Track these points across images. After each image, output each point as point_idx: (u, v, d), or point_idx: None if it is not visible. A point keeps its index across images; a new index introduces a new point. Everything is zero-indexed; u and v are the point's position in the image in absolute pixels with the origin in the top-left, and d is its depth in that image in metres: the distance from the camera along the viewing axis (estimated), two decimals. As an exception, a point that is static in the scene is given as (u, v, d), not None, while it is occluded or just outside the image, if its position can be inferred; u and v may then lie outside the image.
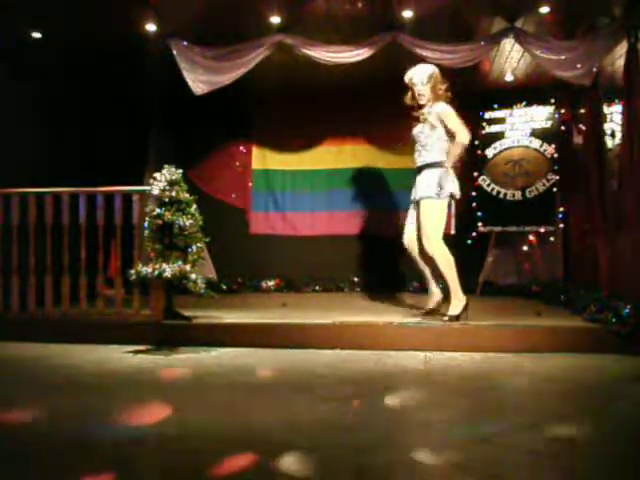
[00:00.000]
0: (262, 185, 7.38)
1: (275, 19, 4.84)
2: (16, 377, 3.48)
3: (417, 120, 4.51)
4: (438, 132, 4.38)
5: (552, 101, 6.39)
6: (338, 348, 4.15)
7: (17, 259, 4.62)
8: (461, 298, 4.34)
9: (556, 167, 6.32)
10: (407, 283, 6.70)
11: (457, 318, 4.28)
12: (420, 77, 4.43)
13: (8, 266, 4.61)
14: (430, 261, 4.43)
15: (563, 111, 6.39)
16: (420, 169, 4.45)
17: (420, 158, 4.45)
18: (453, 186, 4.36)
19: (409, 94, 4.53)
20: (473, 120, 6.75)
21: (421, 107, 4.49)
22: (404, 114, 4.69)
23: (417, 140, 4.48)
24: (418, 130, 4.47)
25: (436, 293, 4.60)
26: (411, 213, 4.58)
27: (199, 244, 4.49)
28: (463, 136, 4.33)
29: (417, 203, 4.44)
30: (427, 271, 4.58)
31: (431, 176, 4.35)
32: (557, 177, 6.30)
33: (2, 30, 4.93)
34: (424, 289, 6.66)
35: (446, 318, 4.29)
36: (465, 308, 4.34)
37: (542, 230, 6.40)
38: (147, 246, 4.42)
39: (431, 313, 4.53)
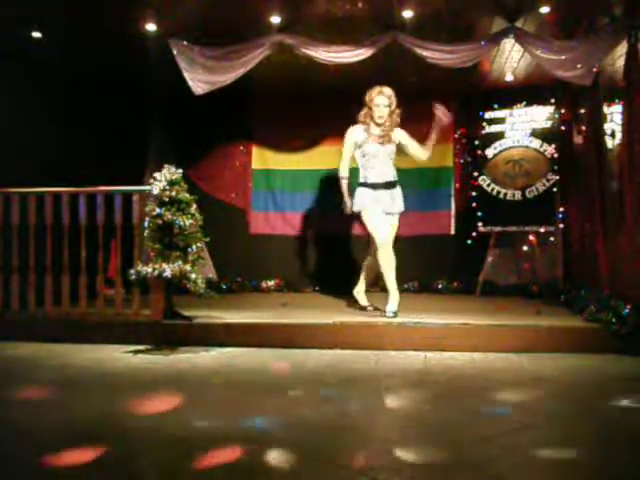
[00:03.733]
0: (262, 185, 7.37)
1: (275, 19, 4.83)
2: (15, 377, 3.48)
3: (382, 141, 4.75)
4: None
5: (552, 101, 6.38)
6: (338, 348, 4.15)
7: (17, 259, 4.62)
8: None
9: (556, 167, 6.31)
10: (408, 283, 6.69)
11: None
12: (383, 100, 4.70)
13: (8, 265, 4.61)
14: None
15: (563, 111, 6.39)
16: (393, 184, 4.82)
17: (393, 173, 4.83)
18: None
19: (365, 111, 4.77)
20: (473, 120, 6.78)
21: (377, 125, 4.76)
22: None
23: (389, 157, 4.81)
24: (390, 149, 4.79)
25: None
26: (385, 220, 4.74)
27: (199, 244, 4.49)
28: (428, 153, 4.88)
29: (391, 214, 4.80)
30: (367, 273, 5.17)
31: (400, 192, 4.88)
32: (557, 177, 6.29)
33: (2, 30, 4.93)
34: (423, 289, 6.73)
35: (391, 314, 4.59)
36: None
37: (542, 230, 6.40)
38: (147, 246, 4.42)
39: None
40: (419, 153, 4.84)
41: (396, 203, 4.82)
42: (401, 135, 4.83)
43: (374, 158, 4.75)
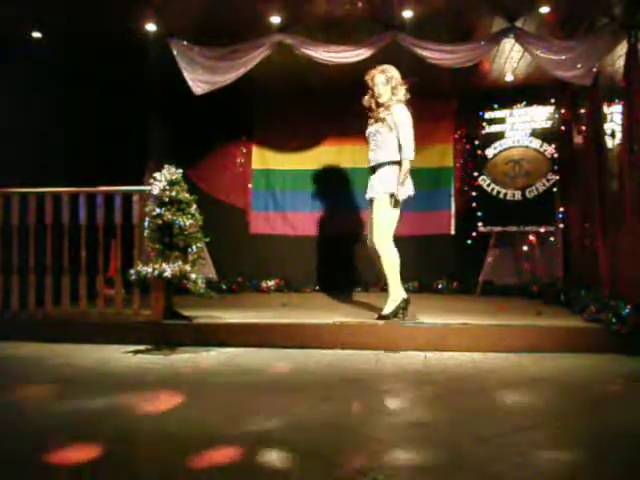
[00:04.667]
0: (262, 185, 7.38)
1: (275, 19, 4.84)
2: (15, 377, 3.48)
3: (375, 120, 4.49)
4: (396, 133, 4.37)
5: (552, 101, 6.38)
6: (338, 348, 4.15)
7: (17, 259, 4.62)
8: (395, 298, 4.37)
9: (556, 167, 6.32)
10: (408, 283, 6.69)
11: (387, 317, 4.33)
12: (381, 78, 4.44)
13: (8, 266, 4.61)
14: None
15: (563, 111, 6.39)
16: (375, 168, 4.45)
17: (375, 157, 4.44)
18: (408, 188, 4.38)
19: (369, 93, 4.53)
20: (473, 120, 6.78)
21: (379, 106, 4.48)
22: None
23: (373, 139, 4.48)
24: (375, 129, 4.47)
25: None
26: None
27: (199, 244, 4.49)
28: (409, 152, 4.31)
29: (371, 201, 4.48)
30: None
31: (386, 175, 4.35)
32: (557, 177, 6.30)
33: (2, 30, 4.93)
34: (423, 289, 6.73)
35: (376, 316, 4.39)
36: (403, 307, 4.36)
37: (542, 230, 6.40)
38: (147, 246, 4.42)
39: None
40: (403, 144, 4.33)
41: (372, 189, 4.43)
42: (397, 112, 4.36)
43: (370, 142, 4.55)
